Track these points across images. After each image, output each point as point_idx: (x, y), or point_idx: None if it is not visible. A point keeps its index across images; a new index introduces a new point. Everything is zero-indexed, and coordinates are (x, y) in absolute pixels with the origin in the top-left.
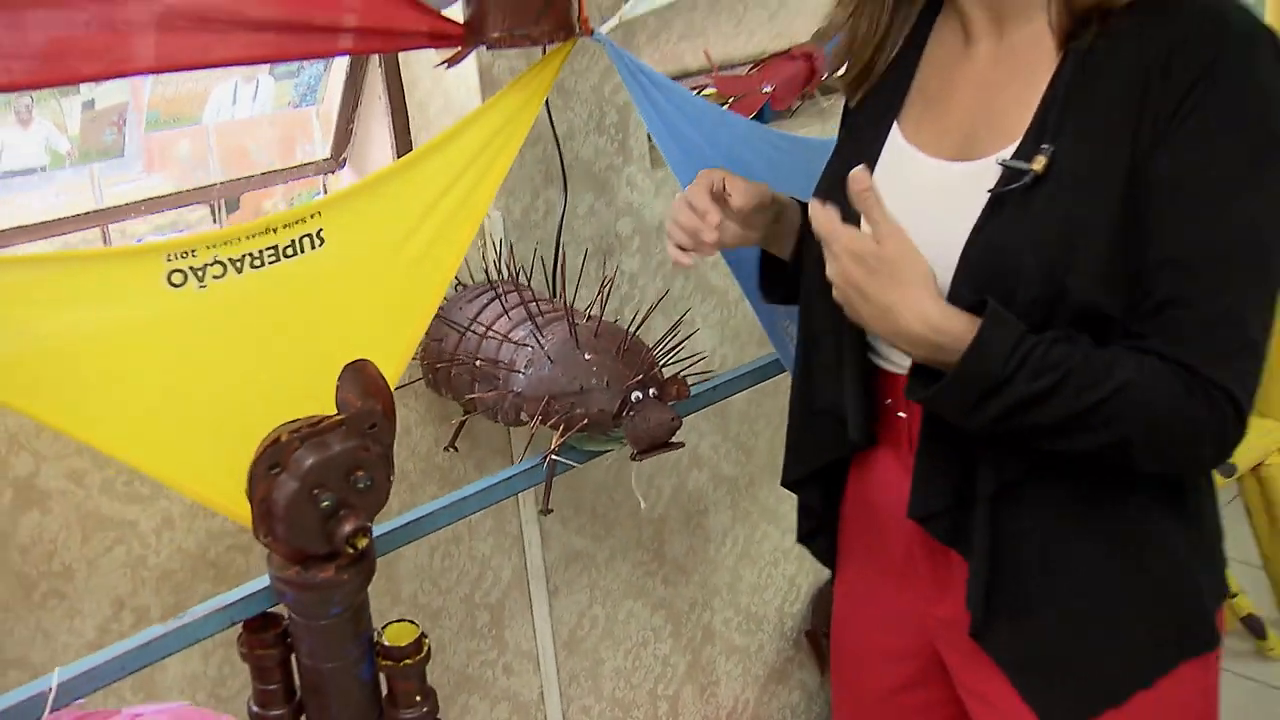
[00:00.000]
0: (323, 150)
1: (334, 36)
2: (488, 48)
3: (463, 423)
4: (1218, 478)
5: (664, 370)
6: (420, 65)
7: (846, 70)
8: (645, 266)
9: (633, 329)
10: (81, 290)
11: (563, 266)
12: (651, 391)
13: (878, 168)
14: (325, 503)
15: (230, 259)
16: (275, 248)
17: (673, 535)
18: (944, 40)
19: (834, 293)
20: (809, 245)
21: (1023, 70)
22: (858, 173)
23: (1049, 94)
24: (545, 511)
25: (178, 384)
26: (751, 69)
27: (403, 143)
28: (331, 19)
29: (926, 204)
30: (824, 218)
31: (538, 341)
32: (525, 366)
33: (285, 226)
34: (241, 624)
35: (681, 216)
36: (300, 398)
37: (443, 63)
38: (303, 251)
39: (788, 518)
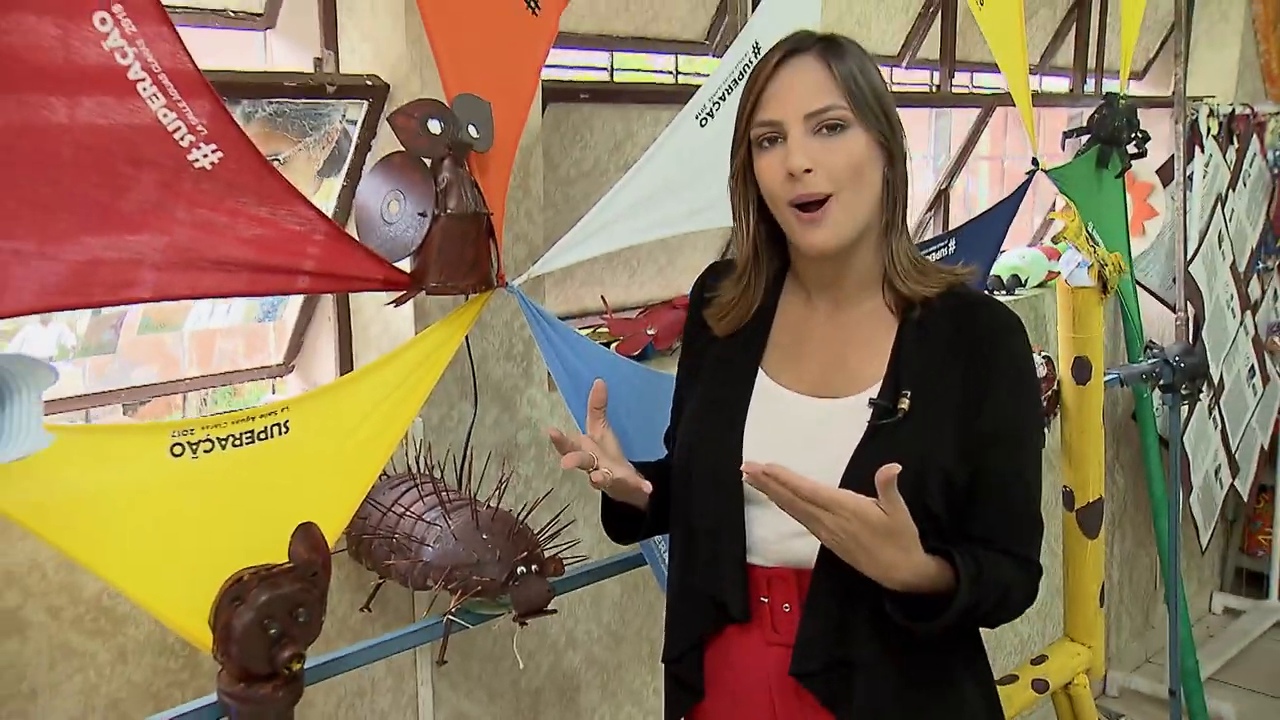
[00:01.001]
0: (276, 357)
1: (294, 277)
2: (426, 293)
3: (378, 587)
4: (1033, 694)
5: (545, 552)
6: (366, 296)
7: (724, 318)
8: (539, 472)
9: (523, 517)
10: (106, 454)
11: (470, 465)
12: (534, 567)
13: (752, 402)
14: (273, 630)
15: (217, 438)
16: (251, 432)
17: (547, 708)
18: (791, 302)
19: (827, 539)
20: (696, 459)
21: (865, 333)
22: (889, 468)
23: (895, 351)
24: (441, 662)
25: (168, 532)
26: (639, 314)
27: (345, 356)
28: (293, 262)
29: (805, 431)
30: (822, 488)
31: (446, 522)
32: (434, 541)
33: (261, 416)
34: None
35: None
36: (260, 547)
37: (391, 301)
38: (271, 436)
39: (650, 701)
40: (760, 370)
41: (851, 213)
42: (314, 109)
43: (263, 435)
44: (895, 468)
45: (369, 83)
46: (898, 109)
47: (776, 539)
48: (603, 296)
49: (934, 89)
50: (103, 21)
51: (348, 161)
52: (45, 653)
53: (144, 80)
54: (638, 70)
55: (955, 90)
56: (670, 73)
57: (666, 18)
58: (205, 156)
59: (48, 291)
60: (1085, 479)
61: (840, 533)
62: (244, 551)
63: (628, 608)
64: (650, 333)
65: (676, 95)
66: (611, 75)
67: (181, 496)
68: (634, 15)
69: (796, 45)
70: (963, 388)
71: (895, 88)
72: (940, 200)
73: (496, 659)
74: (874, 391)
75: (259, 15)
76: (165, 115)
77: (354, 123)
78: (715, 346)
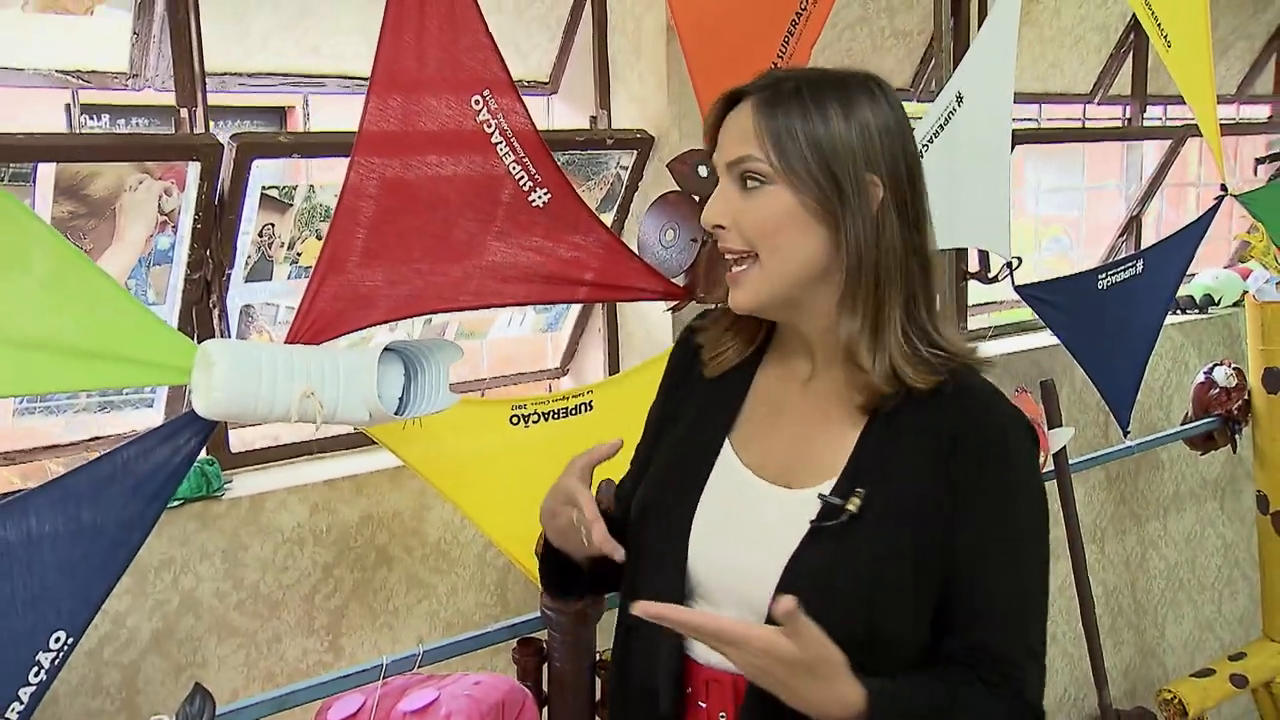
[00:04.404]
0: (553, 362)
1: (596, 289)
2: (696, 302)
3: None
4: (1230, 687)
5: None
6: (630, 309)
7: (716, 356)
8: None
9: None
10: (466, 421)
11: None
12: None
13: (711, 477)
14: None
15: (542, 412)
16: (566, 409)
17: None
18: (773, 365)
19: (749, 674)
20: (645, 532)
21: (832, 415)
22: (786, 602)
23: (861, 442)
24: None
25: (508, 481)
26: None
27: (613, 359)
28: (596, 277)
29: (755, 522)
30: (730, 624)
31: None
32: None
33: (573, 397)
34: (516, 640)
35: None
36: None
37: (669, 308)
38: (580, 412)
39: None
40: (727, 442)
41: (770, 278)
42: (595, 157)
43: (574, 411)
44: (791, 601)
45: (638, 135)
46: (1088, 142)
47: None
48: None
49: (1125, 123)
50: (476, 101)
51: (619, 199)
52: (403, 581)
53: (501, 143)
54: None
55: (1146, 124)
56: None
57: (875, 67)
58: (540, 198)
59: (436, 299)
60: (1279, 483)
61: (752, 669)
62: None
63: None
64: None
65: None
66: None
67: (517, 456)
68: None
69: (741, 90)
70: (930, 490)
71: (1088, 123)
72: (1132, 226)
73: None
74: (829, 486)
75: (545, 83)
76: (514, 168)
77: (625, 168)
78: (691, 404)
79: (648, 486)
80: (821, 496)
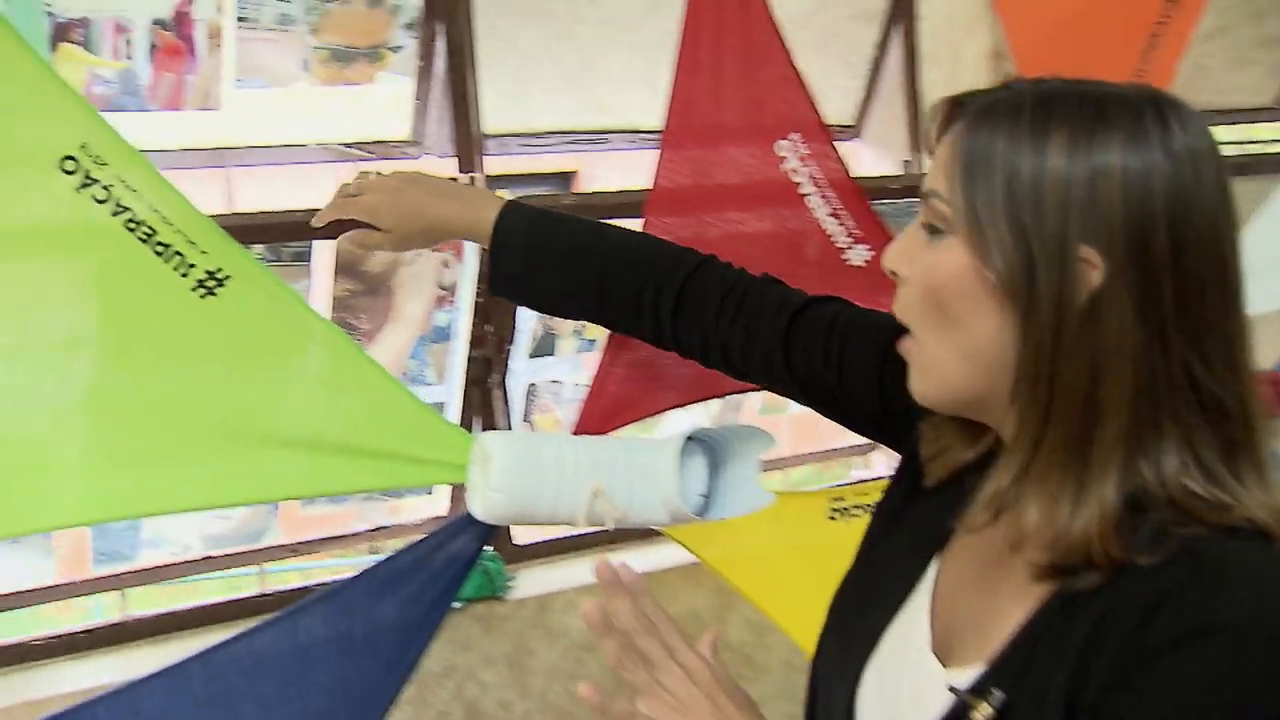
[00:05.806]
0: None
1: None
2: None
3: None
4: None
5: None
6: None
7: (936, 459)
8: None
9: None
10: (778, 515)
11: None
12: None
13: (897, 616)
14: None
15: (865, 505)
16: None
17: None
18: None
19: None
20: (819, 665)
21: (1015, 570)
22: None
23: (1030, 623)
24: None
25: (821, 581)
26: None
27: None
28: None
29: (906, 697)
30: (676, 631)
31: None
32: None
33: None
34: None
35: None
36: None
37: None
38: None
39: None
40: (929, 571)
41: (933, 364)
42: (910, 208)
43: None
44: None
45: None
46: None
47: None
48: None
49: None
50: (782, 147)
51: None
52: None
53: (812, 193)
54: None
55: None
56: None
57: (1227, 85)
58: (859, 255)
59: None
60: None
61: (681, 692)
62: None
63: None
64: None
65: None
66: None
67: (834, 553)
68: None
69: (961, 97)
70: (1066, 696)
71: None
72: None
73: None
74: (970, 675)
75: (850, 127)
76: (828, 222)
77: None
78: (905, 520)
79: (833, 610)
80: (952, 689)
